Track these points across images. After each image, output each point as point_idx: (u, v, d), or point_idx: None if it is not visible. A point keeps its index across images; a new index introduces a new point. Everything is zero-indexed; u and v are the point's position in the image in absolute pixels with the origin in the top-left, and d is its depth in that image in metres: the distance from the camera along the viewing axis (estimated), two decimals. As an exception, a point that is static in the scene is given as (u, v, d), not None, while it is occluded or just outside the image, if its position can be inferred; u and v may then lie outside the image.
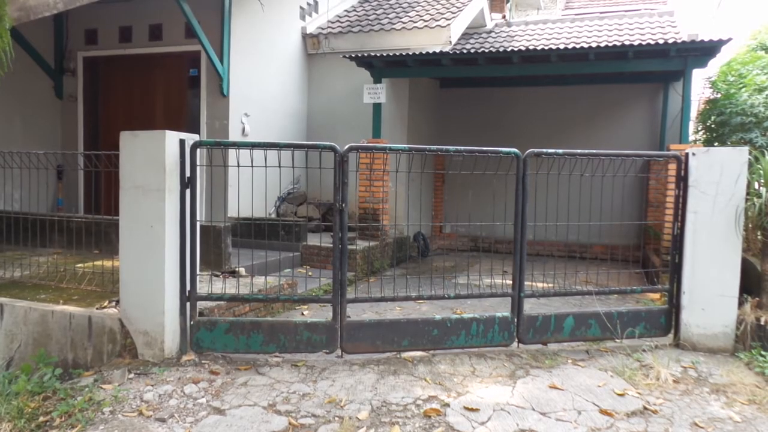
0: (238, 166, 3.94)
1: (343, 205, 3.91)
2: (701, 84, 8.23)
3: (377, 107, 7.89)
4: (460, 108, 10.19)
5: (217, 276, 4.86)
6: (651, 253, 7.56)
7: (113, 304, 4.09)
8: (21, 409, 3.01)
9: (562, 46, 7.70)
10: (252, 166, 3.85)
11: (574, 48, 7.15)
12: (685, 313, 4.26)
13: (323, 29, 9.08)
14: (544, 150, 4.13)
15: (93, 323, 3.90)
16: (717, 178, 4.15)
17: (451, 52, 7.53)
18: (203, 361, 3.80)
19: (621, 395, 3.40)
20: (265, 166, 4.05)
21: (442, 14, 8.81)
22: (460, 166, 4.75)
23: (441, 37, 8.42)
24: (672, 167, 5.52)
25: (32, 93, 7.54)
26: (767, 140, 6.23)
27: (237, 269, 5.18)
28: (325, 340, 3.94)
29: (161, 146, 3.70)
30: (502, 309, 4.34)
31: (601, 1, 16.53)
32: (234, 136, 7.21)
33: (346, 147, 3.98)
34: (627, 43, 6.95)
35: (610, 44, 7.00)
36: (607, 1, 16.31)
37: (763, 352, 4.00)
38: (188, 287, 3.88)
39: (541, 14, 16.05)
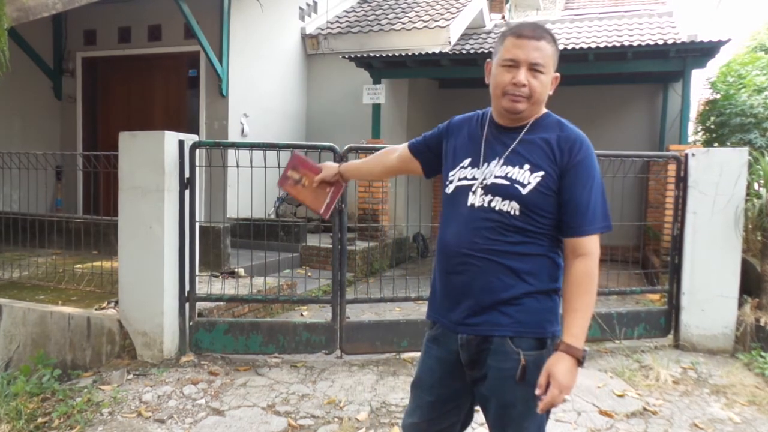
0: (238, 166, 3.94)
1: (343, 205, 3.91)
2: (701, 85, 8.22)
3: (376, 108, 7.88)
4: (460, 108, 10.05)
5: (216, 277, 4.86)
6: (650, 253, 7.56)
7: (112, 305, 4.08)
8: (20, 410, 3.00)
9: (561, 47, 7.69)
10: (251, 167, 3.84)
11: (573, 48, 7.15)
12: (684, 314, 4.26)
13: (322, 30, 9.07)
14: (544, 150, 4.12)
15: (92, 324, 3.90)
16: (716, 178, 4.15)
17: (450, 52, 7.53)
18: (202, 362, 3.79)
19: (620, 396, 3.40)
20: (265, 167, 4.05)
21: (442, 15, 8.81)
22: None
23: (440, 37, 8.41)
24: (671, 168, 5.52)
25: (31, 93, 7.52)
26: (766, 141, 6.23)
27: (236, 270, 5.17)
28: (324, 341, 3.94)
29: (160, 147, 3.69)
30: (501, 310, 4.33)
31: (601, 1, 16.54)
32: (233, 136, 7.19)
33: (346, 147, 3.97)
34: (626, 43, 6.95)
35: (609, 45, 7.00)
36: (607, 1, 16.32)
37: (762, 353, 3.99)
38: (187, 288, 3.88)
39: (541, 15, 16.05)
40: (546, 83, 1.60)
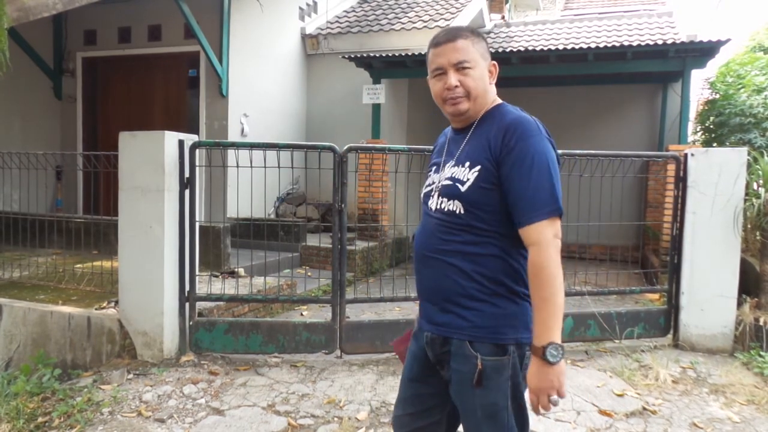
0: (237, 166, 3.94)
1: (343, 205, 3.92)
2: (700, 85, 8.23)
3: (376, 108, 7.88)
4: (459, 108, 10.16)
5: (216, 276, 4.86)
6: (650, 253, 7.56)
7: (112, 304, 4.09)
8: (20, 409, 3.01)
9: (561, 47, 7.70)
10: (251, 167, 3.85)
11: (573, 49, 7.15)
12: (684, 314, 4.27)
13: (322, 30, 9.08)
14: (543, 150, 4.12)
15: (92, 324, 3.90)
16: (716, 178, 4.15)
17: (450, 52, 7.52)
18: (202, 362, 3.80)
19: (620, 395, 3.41)
20: (265, 167, 4.06)
21: (442, 15, 8.81)
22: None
23: (440, 37, 8.41)
24: (671, 168, 5.52)
25: (31, 93, 7.52)
26: (766, 141, 6.24)
27: (236, 270, 5.18)
28: (324, 341, 3.94)
29: (160, 147, 3.70)
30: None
31: (600, 1, 16.55)
32: (233, 136, 7.20)
33: (345, 147, 3.98)
34: (626, 43, 6.95)
35: (609, 45, 7.00)
36: (606, 1, 16.33)
37: (761, 353, 4.00)
38: (187, 288, 3.88)
39: (540, 15, 16.05)
40: (479, 76, 1.60)
